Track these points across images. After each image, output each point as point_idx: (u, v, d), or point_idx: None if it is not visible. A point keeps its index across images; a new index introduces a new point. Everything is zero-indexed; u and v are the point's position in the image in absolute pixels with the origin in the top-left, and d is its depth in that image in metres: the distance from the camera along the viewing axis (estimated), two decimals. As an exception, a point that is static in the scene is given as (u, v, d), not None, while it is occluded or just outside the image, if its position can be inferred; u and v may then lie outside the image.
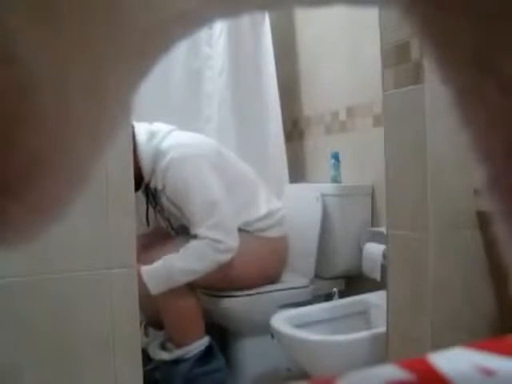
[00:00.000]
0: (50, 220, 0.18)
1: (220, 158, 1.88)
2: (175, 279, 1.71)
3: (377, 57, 1.41)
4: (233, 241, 1.76)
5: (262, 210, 1.95)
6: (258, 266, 1.90)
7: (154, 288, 1.69)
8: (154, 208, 1.93)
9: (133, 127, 1.80)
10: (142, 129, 1.81)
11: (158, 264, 1.71)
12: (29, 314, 1.05)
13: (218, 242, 1.72)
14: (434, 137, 1.23)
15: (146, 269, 1.68)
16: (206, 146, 1.88)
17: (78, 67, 0.15)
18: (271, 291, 1.94)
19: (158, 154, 1.78)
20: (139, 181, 1.81)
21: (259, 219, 1.93)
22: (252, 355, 1.93)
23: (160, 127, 1.86)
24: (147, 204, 1.93)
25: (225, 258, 1.75)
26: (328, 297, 2.04)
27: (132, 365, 1.15)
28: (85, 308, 1.10)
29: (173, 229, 1.96)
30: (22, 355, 1.04)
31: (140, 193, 1.92)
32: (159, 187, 1.80)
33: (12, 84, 0.14)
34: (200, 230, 1.73)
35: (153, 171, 1.79)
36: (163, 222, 1.98)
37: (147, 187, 1.86)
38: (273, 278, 1.99)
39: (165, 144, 1.80)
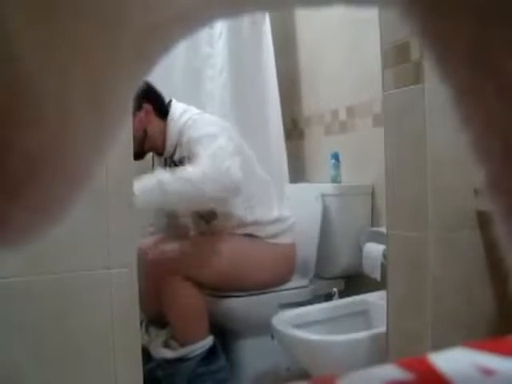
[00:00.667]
0: (52, 221, 0.18)
1: (240, 144, 1.92)
2: (167, 197, 1.62)
3: (377, 56, 1.41)
4: (231, 176, 1.67)
5: (274, 212, 1.96)
6: (268, 272, 1.91)
7: (143, 202, 1.55)
8: None
9: (171, 101, 1.94)
10: (178, 105, 1.94)
11: (149, 178, 1.64)
12: (29, 313, 1.05)
13: (217, 168, 1.66)
14: (433, 137, 1.23)
15: (137, 182, 1.54)
16: (232, 130, 1.95)
17: (78, 68, 0.15)
18: (271, 291, 1.94)
19: (184, 127, 1.85)
20: (154, 153, 1.93)
21: (270, 222, 1.93)
22: (252, 355, 1.93)
23: (193, 108, 1.97)
24: None
25: (219, 188, 1.65)
26: (328, 297, 2.04)
27: (132, 364, 1.15)
28: (85, 308, 1.10)
29: None
30: (21, 355, 1.04)
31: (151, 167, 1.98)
32: (185, 154, 1.84)
33: (12, 84, 0.14)
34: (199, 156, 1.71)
35: (177, 144, 1.86)
36: None
37: (170, 160, 1.92)
38: (281, 284, 1.98)
39: (193, 118, 1.88)
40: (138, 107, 1.83)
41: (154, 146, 1.91)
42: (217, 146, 1.73)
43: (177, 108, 1.92)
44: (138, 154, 1.85)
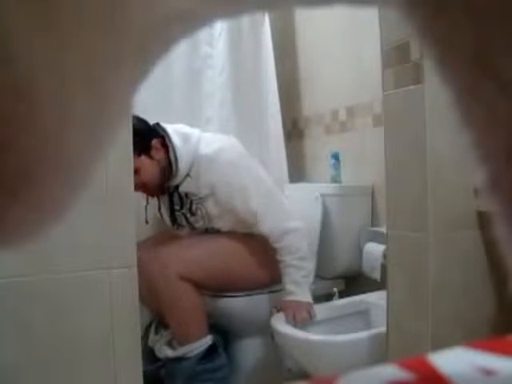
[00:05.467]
0: (50, 220, 0.18)
1: (249, 158, 1.93)
2: (310, 283, 1.83)
3: (377, 57, 1.41)
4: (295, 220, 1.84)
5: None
6: (267, 273, 1.90)
7: (310, 299, 1.79)
8: (179, 210, 1.92)
9: (165, 129, 1.83)
10: (172, 130, 1.83)
11: (295, 288, 1.78)
12: (29, 313, 1.05)
13: (297, 230, 1.80)
14: (434, 137, 1.23)
15: (292, 297, 1.76)
16: (240, 148, 1.92)
17: (78, 68, 0.15)
18: (271, 291, 1.94)
19: (196, 160, 1.78)
20: (162, 183, 1.83)
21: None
22: (252, 355, 1.93)
23: (189, 130, 1.87)
24: (171, 206, 1.92)
25: (305, 235, 1.84)
26: (328, 297, 2.03)
27: (132, 365, 1.15)
28: (85, 308, 1.10)
29: (193, 229, 1.97)
30: (21, 355, 1.04)
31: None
32: (198, 192, 1.81)
33: (10, 84, 0.14)
34: (273, 227, 1.79)
35: (187, 175, 1.80)
36: (184, 224, 1.97)
37: (174, 191, 1.87)
38: (279, 285, 1.98)
39: (202, 150, 1.80)
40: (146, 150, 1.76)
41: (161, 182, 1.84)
42: (274, 199, 1.83)
43: (173, 134, 1.82)
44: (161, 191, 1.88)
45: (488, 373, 0.32)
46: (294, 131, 2.71)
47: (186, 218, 1.93)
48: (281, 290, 1.97)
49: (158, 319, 1.92)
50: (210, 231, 1.92)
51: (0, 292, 1.03)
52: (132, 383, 1.15)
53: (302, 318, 1.72)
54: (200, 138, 1.83)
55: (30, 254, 1.01)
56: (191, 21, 0.18)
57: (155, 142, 1.79)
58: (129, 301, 1.14)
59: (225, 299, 1.87)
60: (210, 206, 1.84)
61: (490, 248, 1.27)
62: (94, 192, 1.05)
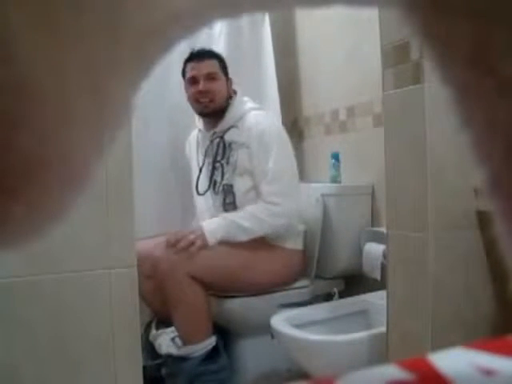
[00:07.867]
0: (51, 220, 0.18)
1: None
2: (233, 234, 1.84)
3: (377, 57, 1.41)
4: (290, 203, 1.89)
5: None
6: (271, 275, 1.91)
7: (212, 237, 1.81)
8: (219, 161, 2.01)
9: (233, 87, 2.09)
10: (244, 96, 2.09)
11: (217, 219, 1.86)
12: (29, 313, 1.05)
13: (276, 204, 1.86)
14: (433, 137, 1.23)
15: (205, 222, 1.85)
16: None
17: (78, 68, 0.15)
18: (271, 291, 1.94)
19: (244, 115, 1.98)
20: (217, 110, 2.00)
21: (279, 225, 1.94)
22: (252, 355, 1.93)
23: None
24: (216, 155, 2.03)
25: (281, 222, 1.88)
26: (328, 297, 2.03)
27: (132, 364, 1.15)
28: (85, 308, 1.10)
29: (214, 187, 2.02)
30: (21, 355, 1.04)
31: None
32: (239, 139, 1.95)
33: (10, 84, 0.14)
34: (264, 189, 1.88)
35: (233, 126, 1.98)
36: (212, 175, 2.04)
37: (220, 139, 2.00)
38: (281, 286, 1.98)
39: (253, 111, 2.01)
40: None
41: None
42: (287, 183, 1.92)
43: (243, 96, 2.07)
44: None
45: (488, 373, 0.32)
46: (293, 131, 2.71)
47: (222, 170, 2.00)
48: (283, 291, 1.97)
49: (159, 317, 1.92)
50: (226, 191, 1.98)
51: (0, 292, 1.03)
52: (132, 383, 1.15)
53: (184, 239, 1.77)
54: (256, 109, 2.03)
55: (30, 254, 1.01)
56: (191, 21, 0.18)
57: (230, 79, 2.07)
58: (129, 301, 1.14)
59: (226, 299, 1.87)
60: (241, 155, 1.94)
61: (490, 248, 1.27)
62: (94, 192, 1.05)
